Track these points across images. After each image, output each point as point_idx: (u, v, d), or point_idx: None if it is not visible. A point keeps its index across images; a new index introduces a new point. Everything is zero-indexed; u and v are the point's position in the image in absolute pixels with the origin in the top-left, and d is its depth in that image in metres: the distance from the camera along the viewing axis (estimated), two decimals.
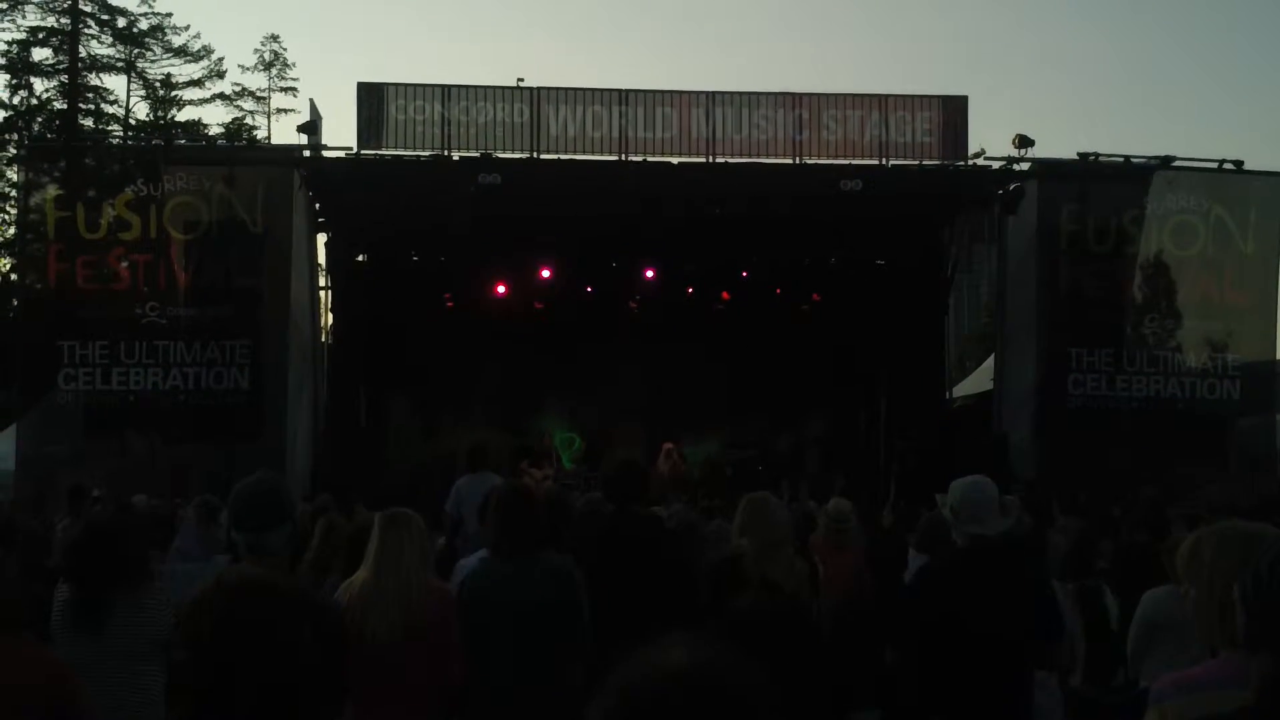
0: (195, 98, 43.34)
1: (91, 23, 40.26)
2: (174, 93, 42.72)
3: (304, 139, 17.52)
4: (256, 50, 47.41)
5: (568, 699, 5.00)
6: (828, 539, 8.46)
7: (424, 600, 5.26)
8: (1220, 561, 3.01)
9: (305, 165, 17.23)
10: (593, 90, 17.56)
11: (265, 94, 46.35)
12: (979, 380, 23.49)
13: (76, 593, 5.21)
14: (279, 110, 46.28)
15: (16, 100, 39.35)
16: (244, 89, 45.49)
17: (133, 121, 41.46)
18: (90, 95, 40.67)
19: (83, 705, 4.22)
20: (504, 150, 17.17)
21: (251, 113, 45.65)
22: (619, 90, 17.55)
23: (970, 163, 18.42)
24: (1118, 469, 16.26)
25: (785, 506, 6.91)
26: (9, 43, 38.97)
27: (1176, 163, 18.50)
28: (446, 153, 17.12)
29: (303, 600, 3.07)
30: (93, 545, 5.34)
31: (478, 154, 17.05)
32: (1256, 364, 18.63)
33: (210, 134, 41.23)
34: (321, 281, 19.22)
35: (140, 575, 5.39)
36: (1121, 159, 18.62)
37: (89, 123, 39.51)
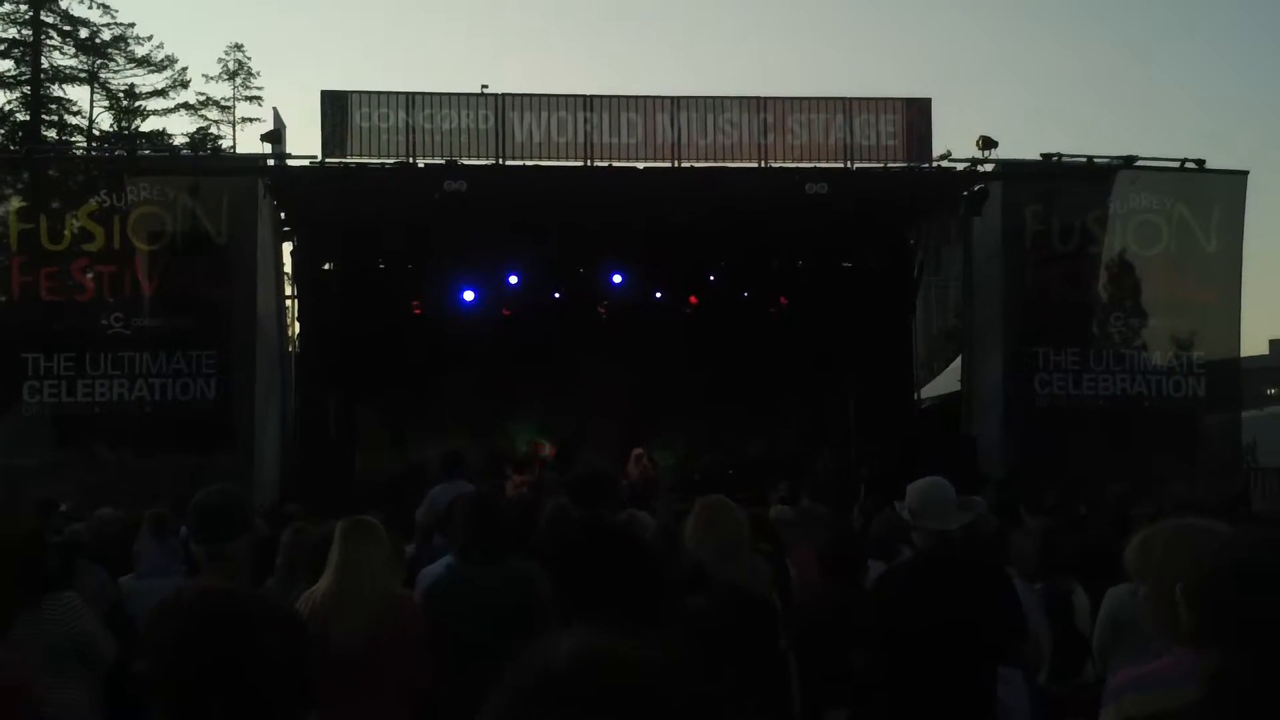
0: (159, 108, 43.15)
1: (54, 34, 40.05)
2: (138, 103, 42.49)
3: (269, 148, 17.45)
4: (220, 59, 47.25)
5: None
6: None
7: (388, 608, 5.25)
8: (1169, 559, 3.04)
9: (270, 174, 17.16)
10: (558, 96, 17.56)
11: (230, 103, 46.21)
12: (947, 381, 23.60)
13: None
14: (243, 119, 46.14)
15: None
16: (208, 98, 45.36)
17: (96, 132, 41.27)
18: (53, 106, 40.44)
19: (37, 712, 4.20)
20: (469, 157, 17.14)
21: (216, 122, 45.53)
22: (584, 96, 17.56)
23: (935, 165, 18.49)
24: (1086, 467, 16.36)
25: (742, 508, 6.88)
26: None
27: (1139, 162, 18.63)
28: (411, 160, 17.08)
29: (267, 609, 3.07)
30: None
31: (443, 161, 17.02)
32: (1221, 361, 18.77)
33: (174, 144, 40.99)
34: (288, 290, 19.15)
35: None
36: (1085, 159, 18.74)
37: (52, 134, 39.27)
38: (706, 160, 17.56)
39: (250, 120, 45.60)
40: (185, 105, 43.80)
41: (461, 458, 12.53)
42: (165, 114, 43.66)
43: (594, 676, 1.23)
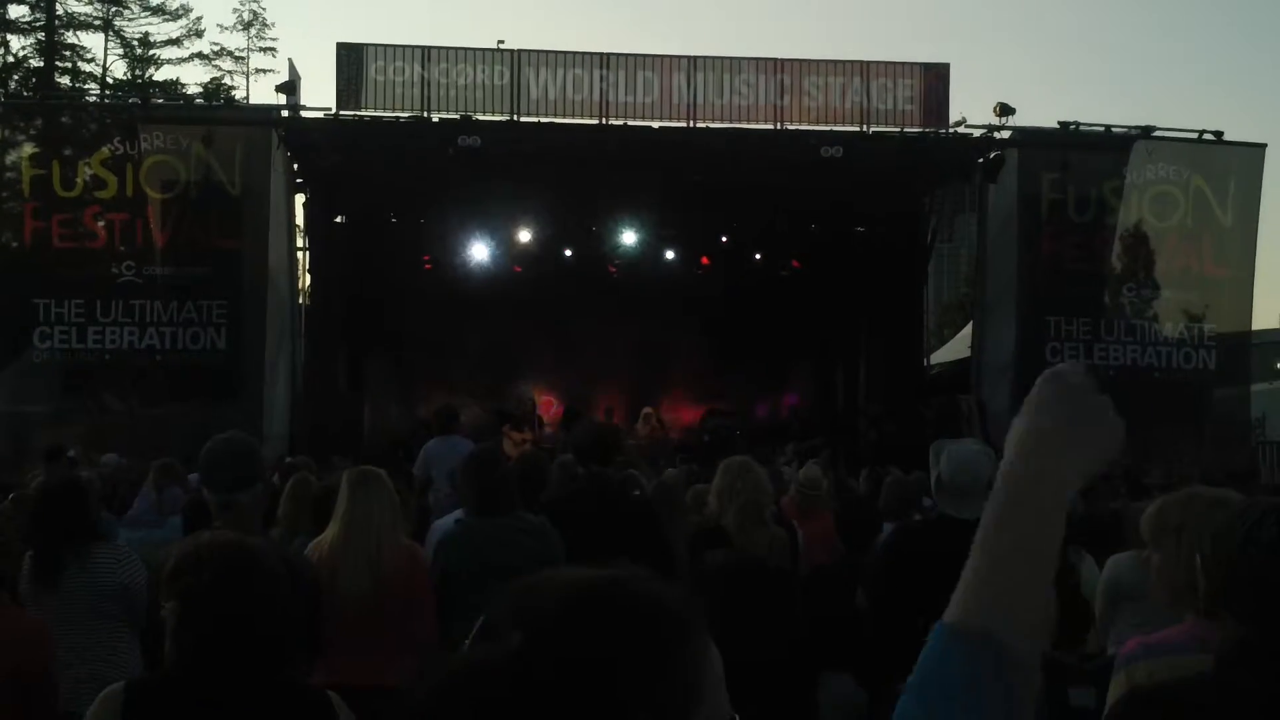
0: (173, 57, 42.81)
1: None
2: (151, 51, 42.22)
3: (283, 99, 17.40)
4: (235, 10, 46.88)
5: None
6: (799, 505, 8.46)
7: (393, 558, 5.27)
8: (1185, 526, 3.03)
9: (284, 126, 17.11)
10: (573, 53, 17.48)
11: (244, 54, 45.85)
12: (957, 348, 23.57)
13: (34, 551, 5.23)
14: (257, 70, 45.78)
15: None
16: (222, 48, 44.97)
17: (110, 80, 41.02)
18: (67, 53, 40.22)
19: (48, 664, 4.27)
20: (484, 113, 17.08)
21: (230, 73, 45.16)
22: (600, 54, 17.47)
23: (951, 131, 18.39)
24: None
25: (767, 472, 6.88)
26: None
27: (1157, 133, 18.50)
28: (426, 114, 17.02)
29: (284, 561, 3.14)
30: (45, 506, 5.37)
31: (457, 116, 16.96)
32: (1232, 335, 18.72)
33: (188, 93, 40.78)
34: (300, 243, 19.11)
35: (87, 535, 5.40)
36: (1102, 128, 18.62)
37: (65, 81, 39.04)
38: (722, 121, 17.49)
39: (264, 71, 45.29)
40: (199, 55, 43.52)
41: (456, 413, 12.49)
42: (179, 63, 43.36)
43: (605, 583, 1.23)
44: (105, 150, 17.05)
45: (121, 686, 2.87)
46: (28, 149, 17.81)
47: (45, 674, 4.23)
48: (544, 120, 17.18)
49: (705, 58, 17.69)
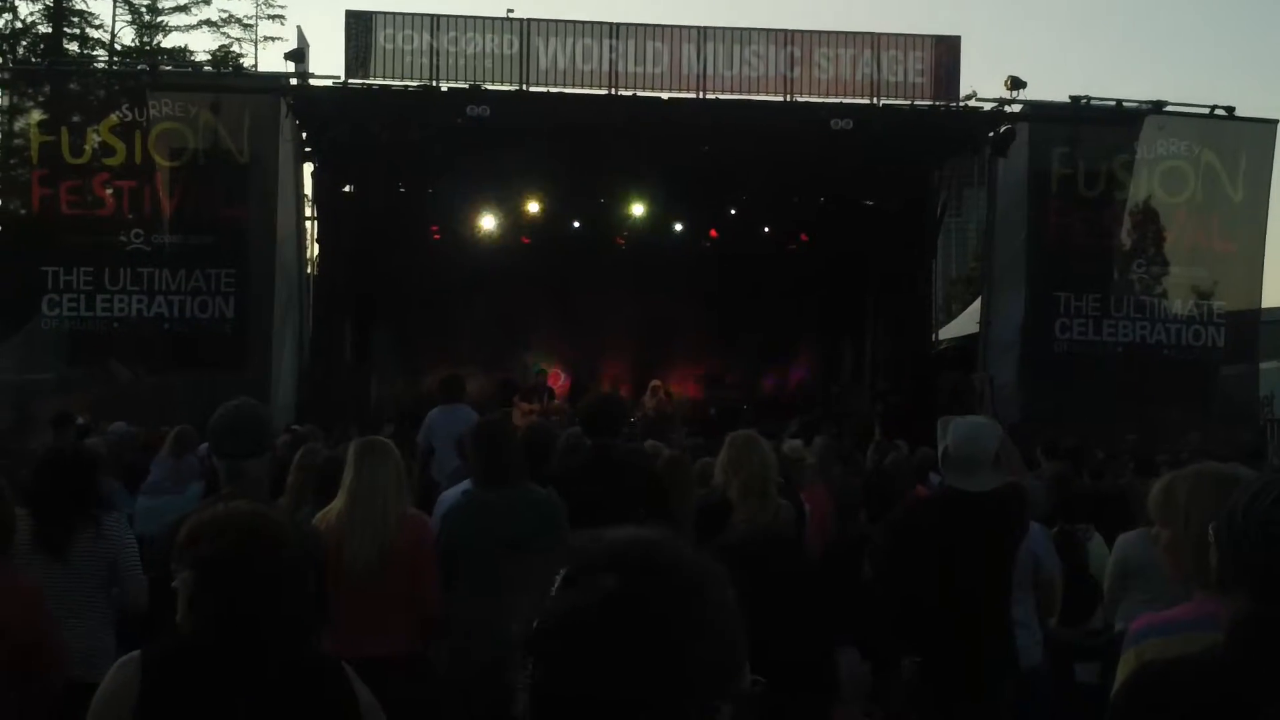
0: (181, 24, 42.64)
1: None
2: (160, 18, 42.06)
3: (291, 67, 17.31)
4: None
5: None
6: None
7: (400, 529, 5.28)
8: (1194, 503, 3.02)
9: (292, 94, 17.02)
10: (583, 23, 17.38)
11: (252, 21, 45.83)
12: (965, 323, 23.53)
13: (37, 519, 5.23)
14: (266, 38, 45.86)
15: (0, 23, 38.88)
16: (231, 16, 44.73)
17: (118, 47, 40.88)
18: (75, 19, 40.08)
19: (50, 630, 4.28)
20: (493, 82, 17.00)
21: (238, 40, 44.97)
22: (610, 24, 17.38)
23: (961, 104, 18.31)
24: (1101, 414, 16.31)
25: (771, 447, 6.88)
26: None
27: (1168, 108, 18.42)
28: (435, 83, 16.95)
29: (294, 531, 3.15)
30: (51, 474, 5.38)
31: (466, 85, 16.90)
32: (1242, 312, 18.66)
33: (196, 61, 40.72)
34: (308, 212, 19.08)
35: (95, 504, 5.42)
36: (1113, 103, 18.53)
37: (74, 47, 38.94)
38: (731, 92, 17.40)
39: (272, 39, 45.20)
40: (207, 22, 43.33)
41: (462, 382, 12.48)
42: (187, 30, 43.19)
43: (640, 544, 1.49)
44: (114, 117, 16.99)
45: (139, 655, 2.86)
46: (36, 115, 17.76)
47: (40, 636, 4.20)
48: (553, 90, 17.11)
49: (715, 28, 17.60)
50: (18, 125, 18.33)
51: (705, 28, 17.55)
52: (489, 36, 17.06)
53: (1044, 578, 6.36)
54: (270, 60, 42.89)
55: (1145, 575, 5.55)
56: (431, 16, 17.11)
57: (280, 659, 2.78)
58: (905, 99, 17.56)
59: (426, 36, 16.96)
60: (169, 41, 42.17)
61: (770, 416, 18.57)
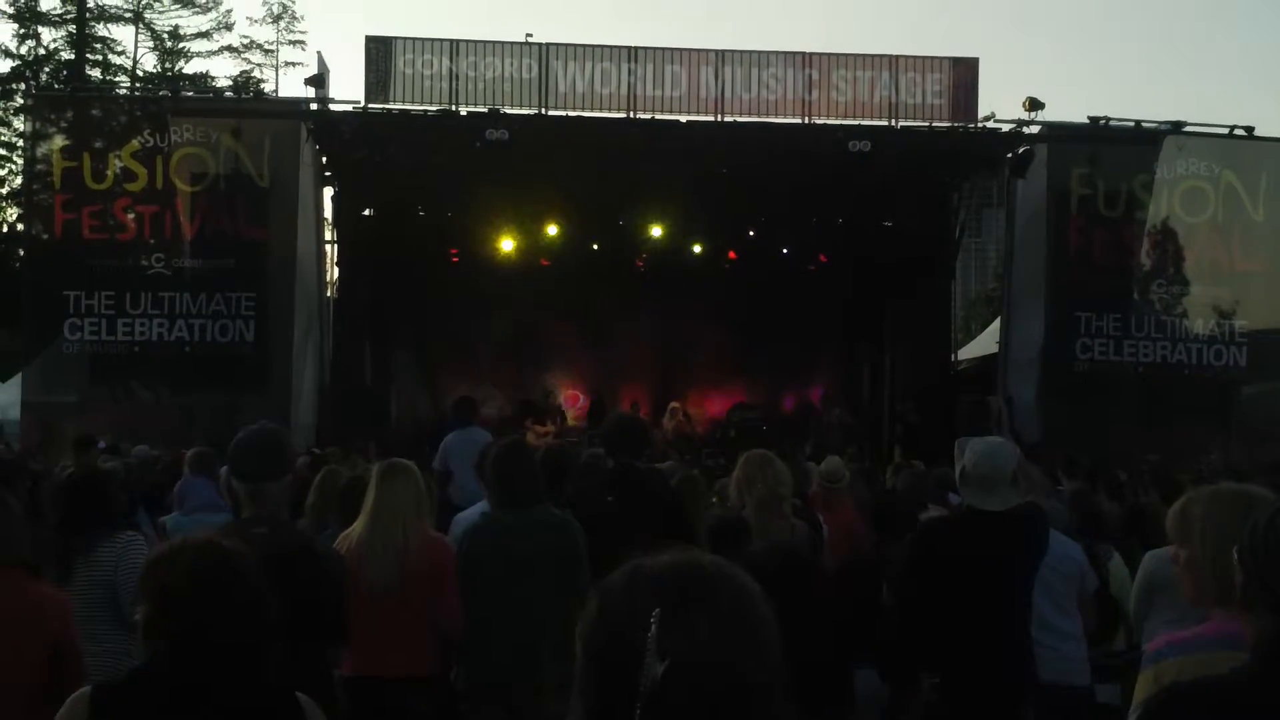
0: (203, 50, 43.06)
1: None
2: (181, 44, 42.47)
3: (311, 92, 17.44)
4: (265, 3, 46.82)
5: (569, 650, 5.02)
6: (822, 498, 8.46)
7: (420, 550, 5.28)
8: (1210, 521, 3.01)
9: (312, 118, 17.15)
10: (602, 47, 17.47)
11: (273, 47, 45.98)
12: (985, 343, 23.48)
13: (58, 537, 5.30)
14: (287, 63, 45.90)
15: (24, 50, 39.16)
16: (252, 41, 45.12)
17: (140, 73, 41.28)
18: (98, 45, 40.51)
19: (76, 642, 4.34)
20: (512, 106, 17.08)
21: (259, 65, 45.30)
22: (628, 47, 17.46)
23: (980, 125, 18.30)
24: (1121, 433, 16.27)
25: (786, 465, 6.88)
26: None
27: (1187, 128, 18.39)
28: (454, 108, 17.04)
29: (321, 552, 3.16)
30: (71, 495, 5.43)
31: (485, 109, 16.98)
32: (1263, 331, 18.56)
33: (217, 86, 41.01)
34: (328, 236, 19.17)
35: (113, 524, 5.47)
36: (1132, 123, 18.50)
37: (96, 73, 39.35)
38: (750, 115, 17.46)
39: (293, 64, 45.37)
40: (229, 48, 43.75)
41: (475, 404, 12.50)
42: (209, 56, 43.61)
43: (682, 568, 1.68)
44: (135, 142, 17.14)
45: (89, 689, 2.89)
46: (59, 141, 17.89)
47: (76, 644, 4.33)
48: (572, 114, 17.18)
49: (733, 51, 17.69)
50: (41, 151, 18.48)
51: (723, 51, 17.63)
52: (508, 61, 17.15)
53: (1088, 596, 6.31)
54: (291, 86, 43.21)
55: (1171, 593, 5.52)
56: (451, 41, 17.22)
57: (232, 690, 2.78)
58: (923, 120, 17.58)
59: (446, 61, 17.06)
60: (191, 68, 42.55)
61: (790, 436, 18.54)
